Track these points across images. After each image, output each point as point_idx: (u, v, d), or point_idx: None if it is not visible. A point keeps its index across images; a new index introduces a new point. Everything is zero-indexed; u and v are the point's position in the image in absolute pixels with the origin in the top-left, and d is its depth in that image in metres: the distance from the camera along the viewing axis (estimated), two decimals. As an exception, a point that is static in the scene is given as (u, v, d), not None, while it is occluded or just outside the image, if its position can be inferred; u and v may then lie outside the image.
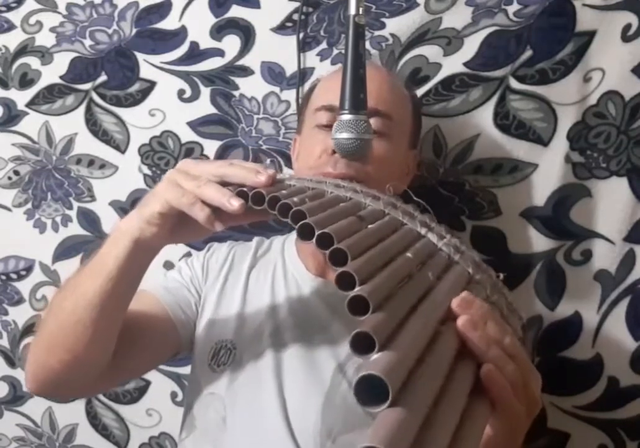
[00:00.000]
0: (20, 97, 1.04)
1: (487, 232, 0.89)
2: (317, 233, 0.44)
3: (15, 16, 1.03)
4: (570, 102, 0.85)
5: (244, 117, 0.96)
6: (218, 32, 0.96)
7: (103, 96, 1.01)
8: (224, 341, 0.73)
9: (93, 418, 1.08)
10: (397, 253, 0.45)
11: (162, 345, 0.74)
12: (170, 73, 0.98)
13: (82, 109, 1.02)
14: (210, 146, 0.98)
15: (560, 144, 0.86)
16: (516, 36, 0.85)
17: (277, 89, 0.94)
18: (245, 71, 0.95)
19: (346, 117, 0.63)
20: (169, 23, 0.98)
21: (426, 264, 0.46)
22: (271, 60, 0.94)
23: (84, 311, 0.59)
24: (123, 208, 1.01)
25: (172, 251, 0.97)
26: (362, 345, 0.34)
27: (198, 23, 0.96)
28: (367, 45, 0.87)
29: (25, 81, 1.03)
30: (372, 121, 0.71)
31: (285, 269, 0.79)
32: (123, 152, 1.01)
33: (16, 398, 1.10)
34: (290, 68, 0.94)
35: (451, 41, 0.88)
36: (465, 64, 0.87)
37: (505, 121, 0.87)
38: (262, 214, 0.56)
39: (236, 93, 0.96)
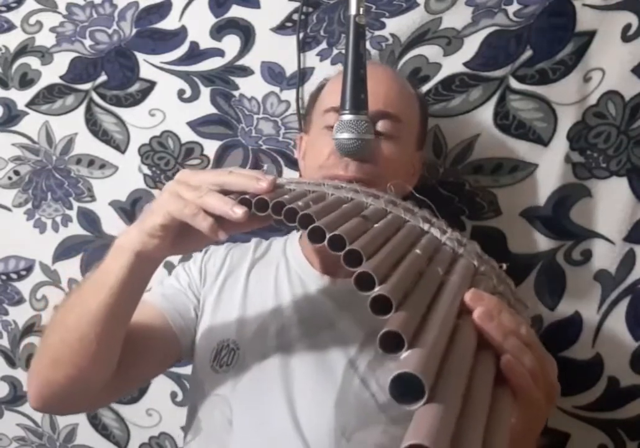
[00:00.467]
0: (20, 97, 1.04)
1: (487, 232, 0.89)
2: (328, 235, 0.44)
3: (15, 16, 1.03)
4: (570, 102, 0.85)
5: (244, 117, 0.96)
6: (218, 32, 0.96)
7: (103, 96, 1.01)
8: (225, 341, 0.73)
9: (93, 418, 1.08)
10: (406, 250, 0.46)
11: (163, 354, 0.74)
12: (170, 73, 0.98)
13: (82, 109, 1.02)
14: (210, 146, 0.98)
15: (560, 144, 0.86)
16: (516, 36, 0.85)
17: (277, 89, 0.94)
18: (245, 71, 0.95)
19: (347, 117, 0.64)
20: (169, 23, 0.98)
21: (434, 259, 0.47)
22: (271, 60, 0.94)
23: (88, 326, 0.59)
24: (123, 208, 1.01)
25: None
26: (389, 344, 0.35)
27: (198, 23, 0.96)
28: (367, 45, 0.86)
29: (25, 81, 1.03)
30: (381, 123, 0.72)
31: (289, 268, 0.79)
32: (123, 152, 1.01)
33: (16, 398, 1.11)
34: (290, 68, 0.94)
35: (451, 41, 0.88)
36: (465, 64, 0.87)
37: (505, 121, 0.87)
38: (265, 220, 0.56)
39: (236, 93, 0.96)
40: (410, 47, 0.89)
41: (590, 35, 0.84)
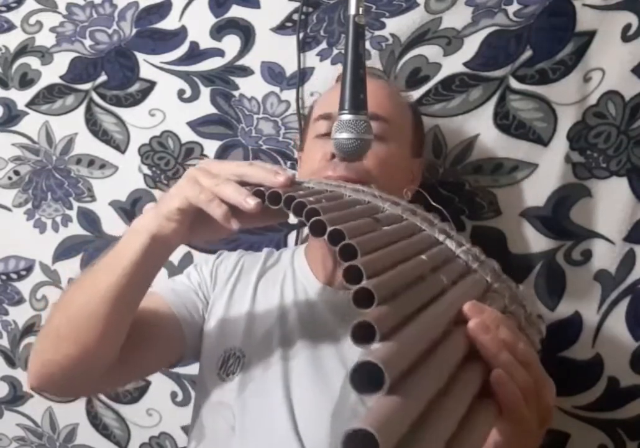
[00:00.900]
0: (20, 97, 1.04)
1: (487, 232, 0.89)
2: (329, 229, 0.44)
3: (15, 16, 1.03)
4: (570, 102, 0.85)
5: (244, 117, 0.96)
6: (218, 32, 0.96)
7: (103, 96, 1.01)
8: (232, 349, 0.73)
9: (93, 418, 1.08)
10: (411, 255, 0.45)
11: (166, 345, 0.74)
12: (170, 73, 0.98)
13: (82, 109, 1.02)
14: (210, 146, 0.98)
15: (560, 144, 0.86)
16: (516, 36, 0.85)
17: (277, 89, 0.94)
18: (245, 71, 0.95)
19: (346, 117, 0.63)
20: (169, 23, 0.98)
21: (441, 269, 0.46)
22: (271, 60, 0.94)
23: (97, 305, 0.59)
24: (123, 208, 1.01)
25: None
26: (365, 336, 0.34)
27: (198, 23, 0.96)
28: (367, 45, 0.87)
29: (25, 81, 1.03)
30: (371, 124, 0.71)
31: (295, 278, 0.80)
32: (123, 152, 1.01)
33: (16, 398, 1.11)
34: (290, 68, 0.94)
35: (451, 41, 0.88)
36: (465, 64, 0.87)
37: (505, 121, 0.87)
38: (278, 215, 0.56)
39: (236, 93, 0.96)
40: (410, 47, 0.89)
41: (590, 35, 0.84)
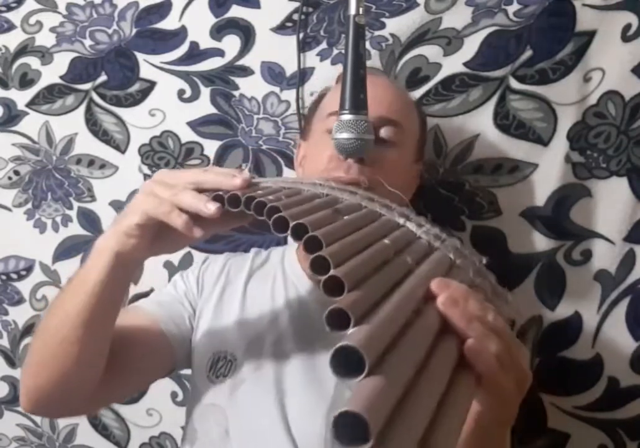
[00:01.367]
0: (20, 97, 1.04)
1: (487, 232, 0.89)
2: (291, 224, 0.45)
3: (15, 16, 1.03)
4: (570, 102, 0.85)
5: (244, 117, 0.96)
6: (218, 32, 0.96)
7: (103, 96, 1.01)
8: (222, 352, 0.72)
9: (93, 418, 1.08)
10: (374, 240, 0.46)
11: (155, 360, 0.73)
12: (170, 73, 0.98)
13: (82, 109, 1.02)
14: (210, 146, 0.98)
15: (560, 144, 0.86)
16: (516, 36, 0.85)
17: (277, 89, 0.94)
18: (245, 71, 0.95)
19: (346, 117, 0.63)
20: (169, 23, 0.98)
21: (405, 251, 0.47)
22: (271, 60, 0.94)
23: (69, 329, 0.59)
24: (123, 208, 1.01)
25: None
26: (340, 323, 0.35)
27: (198, 23, 0.96)
28: (367, 45, 0.87)
29: (25, 81, 1.03)
30: (384, 129, 0.71)
31: (286, 278, 0.79)
32: (123, 152, 1.01)
33: (16, 398, 1.10)
34: (290, 68, 0.93)
35: (451, 41, 0.88)
36: (465, 64, 0.87)
37: (505, 121, 0.87)
38: (241, 218, 0.56)
39: (236, 93, 0.96)
40: (410, 47, 0.89)
41: (590, 35, 0.84)
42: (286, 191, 0.54)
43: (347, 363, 0.32)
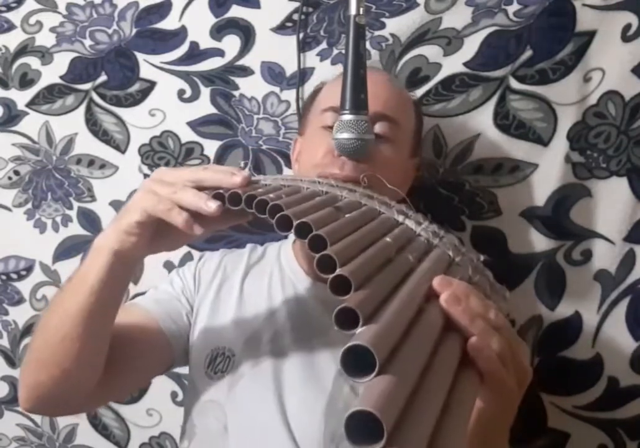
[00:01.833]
0: (20, 97, 1.04)
1: (487, 232, 0.89)
2: (295, 222, 0.45)
3: (15, 16, 1.03)
4: (570, 102, 0.85)
5: (244, 117, 0.96)
6: (218, 32, 0.96)
7: (103, 96, 1.01)
8: (220, 348, 0.73)
9: (93, 418, 1.08)
10: (375, 238, 0.47)
11: (154, 357, 0.74)
12: (170, 73, 0.98)
13: (82, 109, 1.02)
14: (210, 146, 0.98)
15: (560, 144, 0.86)
16: (516, 36, 0.85)
17: (277, 89, 0.94)
18: (245, 71, 0.95)
19: (347, 117, 0.64)
20: (169, 23, 0.97)
21: (406, 248, 0.47)
22: (271, 60, 0.94)
23: (69, 326, 0.59)
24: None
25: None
26: (347, 322, 0.35)
27: (198, 23, 0.96)
28: (367, 45, 0.86)
29: (25, 81, 1.03)
30: (379, 125, 0.72)
31: (282, 274, 0.79)
32: (123, 152, 1.01)
33: (16, 398, 1.09)
34: (290, 68, 0.93)
35: (451, 41, 0.88)
36: (465, 64, 0.87)
37: (505, 121, 0.87)
38: (241, 216, 0.56)
39: (236, 93, 0.96)
40: (410, 47, 0.89)
41: (590, 35, 0.84)
42: (286, 189, 0.54)
43: (354, 362, 0.32)
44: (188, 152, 0.99)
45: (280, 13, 0.93)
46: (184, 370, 0.97)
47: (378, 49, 0.90)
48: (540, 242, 0.87)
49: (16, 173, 1.06)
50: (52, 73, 1.02)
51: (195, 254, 0.98)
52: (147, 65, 0.99)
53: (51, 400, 0.65)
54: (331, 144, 0.70)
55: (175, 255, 0.98)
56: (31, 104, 1.04)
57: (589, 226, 0.86)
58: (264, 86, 0.94)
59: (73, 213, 1.04)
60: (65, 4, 1.01)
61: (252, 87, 0.95)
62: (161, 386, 1.02)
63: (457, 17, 0.87)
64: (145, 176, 1.00)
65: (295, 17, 0.92)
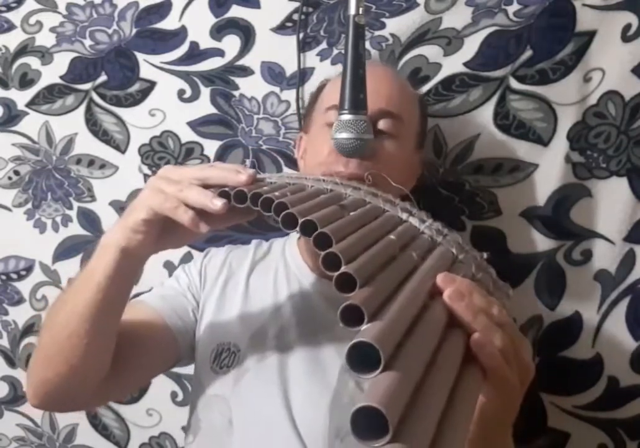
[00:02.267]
0: (20, 97, 1.04)
1: (487, 232, 0.89)
2: (300, 220, 0.45)
3: (15, 16, 1.03)
4: (570, 102, 0.85)
5: (244, 117, 0.96)
6: (218, 32, 0.96)
7: (103, 96, 1.01)
8: (226, 343, 0.73)
9: (93, 418, 1.08)
10: (379, 236, 0.47)
11: (160, 354, 0.74)
12: (170, 73, 0.98)
13: (82, 109, 1.02)
14: (210, 146, 0.98)
15: (560, 144, 0.86)
16: (516, 36, 0.85)
17: (277, 89, 0.94)
18: (245, 71, 0.95)
19: (346, 117, 0.63)
20: (169, 23, 0.97)
21: (410, 246, 0.48)
22: (271, 60, 0.94)
23: (77, 323, 0.60)
24: (123, 208, 1.01)
25: (173, 251, 0.97)
26: (352, 319, 0.36)
27: (198, 23, 0.96)
28: (367, 45, 0.87)
29: (25, 81, 1.03)
30: (383, 122, 0.72)
31: (288, 270, 0.79)
32: (123, 152, 1.01)
33: (16, 398, 1.11)
34: (290, 68, 0.94)
35: (451, 41, 0.88)
36: (465, 64, 0.87)
37: (505, 121, 0.87)
38: (246, 213, 0.56)
39: (236, 93, 0.96)
40: (410, 47, 0.89)
41: (590, 35, 0.84)
42: (291, 188, 0.54)
43: (360, 358, 0.33)
44: (188, 152, 0.99)
45: (280, 13, 0.93)
46: (184, 370, 0.97)
47: (378, 49, 0.90)
48: (540, 242, 0.87)
49: (16, 173, 1.06)
50: (52, 73, 1.02)
51: (196, 254, 0.98)
52: (147, 65, 0.99)
53: (58, 397, 0.66)
54: None
55: (176, 255, 0.98)
56: (31, 104, 1.04)
57: (589, 226, 0.87)
58: (264, 86, 0.95)
59: (73, 213, 1.04)
60: (65, 4, 1.01)
61: (252, 87, 0.95)
62: (161, 386, 1.02)
63: (457, 17, 0.87)
64: (145, 176, 1.00)
65: (295, 17, 0.92)
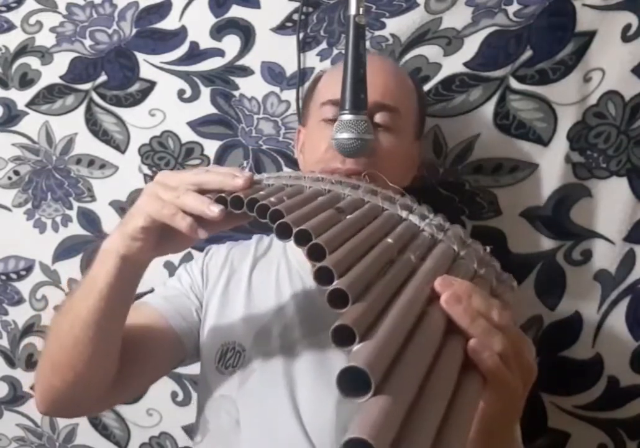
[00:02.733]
0: (20, 97, 1.04)
1: (487, 232, 0.89)
2: (294, 230, 0.44)
3: (15, 16, 1.03)
4: (570, 102, 0.85)
5: (244, 117, 0.96)
6: (218, 32, 0.96)
7: (103, 96, 1.01)
8: (230, 343, 0.73)
9: (93, 418, 1.08)
10: (377, 240, 0.46)
11: (165, 357, 0.74)
12: (170, 73, 0.98)
13: (82, 109, 1.02)
14: (210, 146, 0.98)
15: (560, 144, 0.86)
16: (516, 36, 0.85)
17: (277, 89, 0.94)
18: (245, 71, 0.95)
19: (346, 117, 0.63)
20: (169, 23, 0.97)
21: (409, 246, 0.46)
22: (271, 60, 0.94)
23: (80, 331, 0.60)
24: (123, 208, 1.01)
25: (172, 251, 0.98)
26: (345, 336, 0.35)
27: (198, 23, 0.96)
28: (367, 45, 0.86)
29: (25, 81, 1.03)
30: (379, 115, 0.71)
31: (290, 267, 0.79)
32: (123, 152, 1.01)
33: (16, 398, 1.10)
34: (290, 68, 0.94)
35: (451, 41, 0.88)
36: (465, 64, 0.87)
37: (505, 121, 0.87)
38: (242, 217, 0.56)
39: (236, 93, 0.96)
40: (410, 47, 0.89)
41: (590, 35, 0.84)
42: (288, 190, 0.54)
43: (352, 379, 0.32)
44: (188, 152, 0.99)
45: (280, 13, 0.93)
46: (184, 370, 0.97)
47: (378, 49, 0.90)
48: (540, 242, 0.87)
49: (16, 173, 1.05)
50: (52, 73, 1.02)
51: (196, 254, 0.98)
52: (147, 65, 0.99)
53: (65, 403, 0.66)
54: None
55: (176, 255, 0.98)
56: (31, 104, 1.04)
57: (589, 226, 0.87)
58: (264, 86, 0.94)
59: (73, 213, 1.04)
60: (65, 4, 1.01)
61: (252, 87, 0.95)
62: (161, 387, 1.02)
63: (457, 17, 0.87)
64: (145, 176, 1.00)
65: (295, 17, 0.92)
